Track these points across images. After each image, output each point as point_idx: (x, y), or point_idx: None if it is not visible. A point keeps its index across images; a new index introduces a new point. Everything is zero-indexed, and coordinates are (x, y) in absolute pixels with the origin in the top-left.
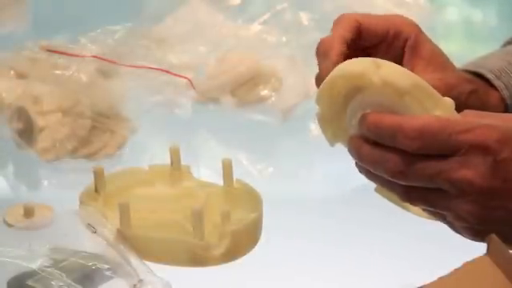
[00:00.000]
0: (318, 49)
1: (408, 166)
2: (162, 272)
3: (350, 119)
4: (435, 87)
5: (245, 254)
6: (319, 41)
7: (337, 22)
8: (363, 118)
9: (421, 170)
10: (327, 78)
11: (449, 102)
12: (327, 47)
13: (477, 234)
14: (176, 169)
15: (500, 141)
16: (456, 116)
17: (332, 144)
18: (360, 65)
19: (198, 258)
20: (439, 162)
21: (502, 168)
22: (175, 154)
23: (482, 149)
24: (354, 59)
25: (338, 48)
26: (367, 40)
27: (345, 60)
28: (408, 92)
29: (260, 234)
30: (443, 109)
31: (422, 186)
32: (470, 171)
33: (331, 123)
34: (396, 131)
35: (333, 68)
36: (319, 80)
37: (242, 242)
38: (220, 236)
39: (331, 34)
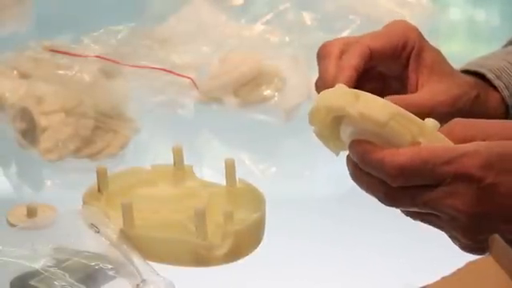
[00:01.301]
0: (320, 53)
1: (395, 195)
2: (164, 272)
3: (343, 138)
4: (442, 102)
5: (248, 254)
6: (322, 44)
7: (349, 51)
8: (351, 146)
9: (408, 199)
10: (315, 103)
11: (431, 125)
12: (337, 67)
13: (473, 250)
14: (179, 169)
15: (483, 167)
16: (440, 137)
17: (337, 153)
18: (339, 98)
19: (200, 258)
20: (425, 193)
21: (488, 193)
22: (178, 154)
23: (465, 178)
24: (334, 89)
25: (348, 76)
26: (378, 61)
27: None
28: (386, 124)
29: (263, 234)
30: (426, 133)
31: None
32: (456, 200)
33: (329, 137)
34: (379, 167)
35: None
36: (319, 89)
37: (245, 242)
38: (223, 236)
39: (339, 56)
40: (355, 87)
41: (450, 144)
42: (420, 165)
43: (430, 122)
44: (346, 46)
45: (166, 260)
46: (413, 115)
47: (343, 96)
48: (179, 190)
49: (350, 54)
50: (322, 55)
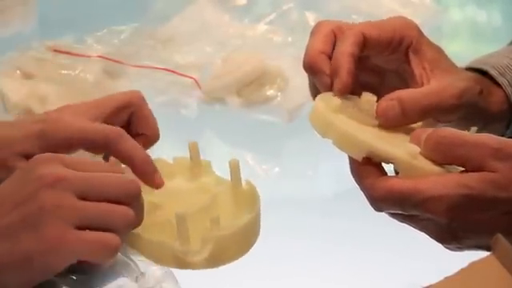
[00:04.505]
0: (312, 30)
1: (380, 208)
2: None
3: None
4: (451, 94)
5: (234, 259)
6: (307, 54)
7: (343, 37)
8: (350, 160)
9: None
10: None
11: (405, 158)
12: (336, 63)
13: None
14: (196, 164)
15: (448, 211)
16: (417, 166)
17: None
18: (316, 119)
19: (181, 262)
20: (404, 216)
21: (455, 231)
22: (194, 150)
23: (433, 220)
24: (317, 107)
25: (348, 66)
26: (372, 50)
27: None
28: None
29: (254, 238)
30: (402, 166)
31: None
32: (429, 231)
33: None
34: (363, 191)
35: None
36: (304, 64)
37: (229, 248)
38: (202, 242)
39: (332, 48)
40: (354, 78)
41: (427, 168)
42: (393, 204)
43: (412, 147)
44: (338, 28)
45: (152, 260)
46: (385, 149)
47: (319, 119)
48: (193, 185)
49: (345, 42)
50: (312, 32)
